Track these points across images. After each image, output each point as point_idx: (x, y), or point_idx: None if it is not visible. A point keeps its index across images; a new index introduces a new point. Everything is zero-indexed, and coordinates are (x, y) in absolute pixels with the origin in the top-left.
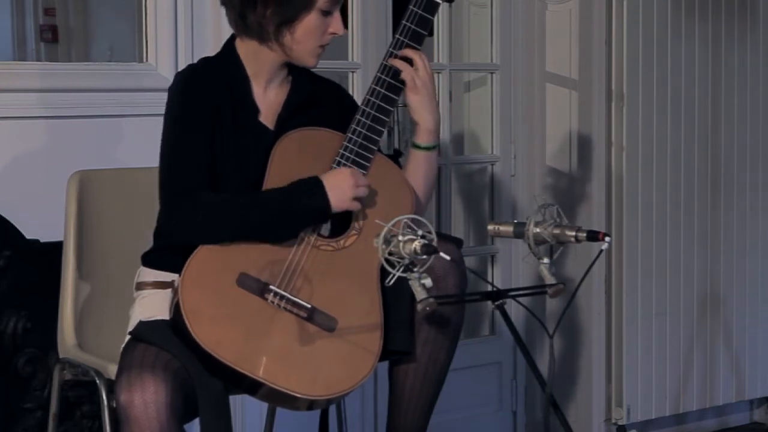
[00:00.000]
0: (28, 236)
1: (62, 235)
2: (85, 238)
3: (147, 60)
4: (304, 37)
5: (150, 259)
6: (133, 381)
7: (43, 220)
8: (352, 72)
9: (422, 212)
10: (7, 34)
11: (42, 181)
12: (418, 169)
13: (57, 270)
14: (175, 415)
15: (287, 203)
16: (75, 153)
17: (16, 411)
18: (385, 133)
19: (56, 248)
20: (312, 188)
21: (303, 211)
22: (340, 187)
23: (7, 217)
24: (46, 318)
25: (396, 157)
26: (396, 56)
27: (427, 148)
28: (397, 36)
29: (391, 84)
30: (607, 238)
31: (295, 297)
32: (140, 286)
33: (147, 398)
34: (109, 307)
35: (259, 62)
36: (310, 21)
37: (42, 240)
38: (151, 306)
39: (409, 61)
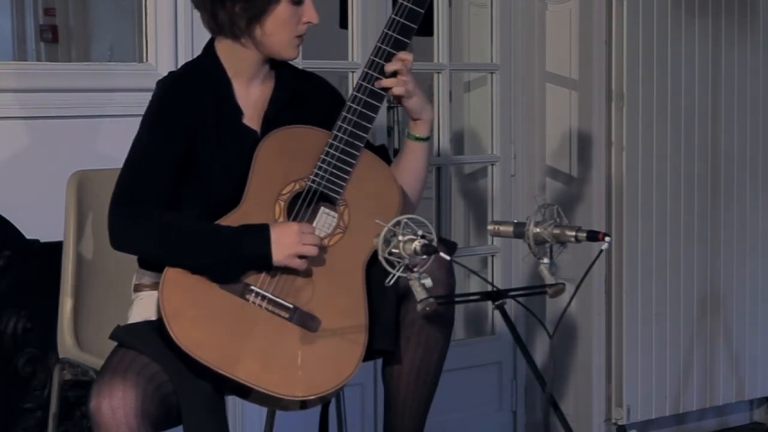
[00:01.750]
0: (28, 236)
1: (62, 235)
2: (85, 238)
3: (147, 60)
4: (276, 29)
5: (148, 261)
6: (102, 387)
7: (43, 220)
8: (352, 72)
9: (419, 201)
10: (7, 34)
11: (42, 181)
12: (422, 159)
13: (57, 270)
14: (147, 420)
15: (229, 245)
16: (75, 153)
17: (16, 411)
18: (385, 133)
19: (56, 248)
20: (257, 235)
21: (243, 256)
22: (284, 242)
23: (7, 217)
24: (46, 318)
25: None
26: (385, 51)
27: (427, 139)
28: (384, 30)
29: (378, 80)
30: (607, 238)
31: (276, 297)
32: (138, 287)
33: (114, 404)
34: (109, 307)
35: (239, 61)
36: (280, 12)
37: (42, 240)
38: (149, 307)
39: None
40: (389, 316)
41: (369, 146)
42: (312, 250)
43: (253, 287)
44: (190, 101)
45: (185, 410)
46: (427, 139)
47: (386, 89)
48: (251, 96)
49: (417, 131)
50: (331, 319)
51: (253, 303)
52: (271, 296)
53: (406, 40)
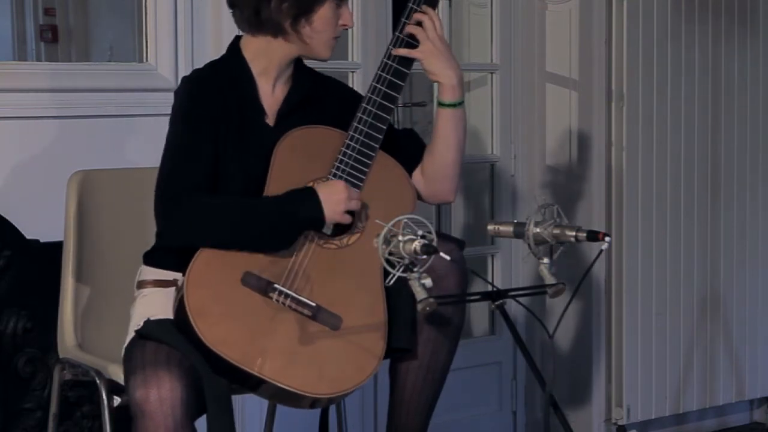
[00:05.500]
0: (28, 236)
1: (62, 235)
2: (85, 238)
3: (147, 60)
4: (322, 26)
5: (152, 258)
6: (149, 377)
7: (43, 220)
8: (352, 72)
9: (458, 172)
10: (7, 34)
11: (42, 181)
12: (448, 127)
13: (57, 270)
14: (189, 413)
15: (282, 212)
16: (75, 153)
17: (16, 411)
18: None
19: (56, 248)
20: (307, 198)
21: (297, 220)
22: (333, 200)
23: (7, 217)
24: (46, 318)
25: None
26: (408, 24)
27: (453, 105)
28: (410, 5)
29: (392, 82)
30: (607, 238)
31: (299, 295)
32: (141, 284)
33: (163, 395)
34: (109, 307)
35: (269, 58)
36: (325, 11)
37: (42, 240)
38: (153, 304)
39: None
40: (407, 314)
41: (395, 131)
42: (359, 204)
43: (276, 285)
44: (216, 99)
45: (209, 406)
46: (453, 105)
47: (412, 39)
48: (275, 96)
49: (440, 96)
50: (352, 317)
51: (276, 301)
52: (294, 294)
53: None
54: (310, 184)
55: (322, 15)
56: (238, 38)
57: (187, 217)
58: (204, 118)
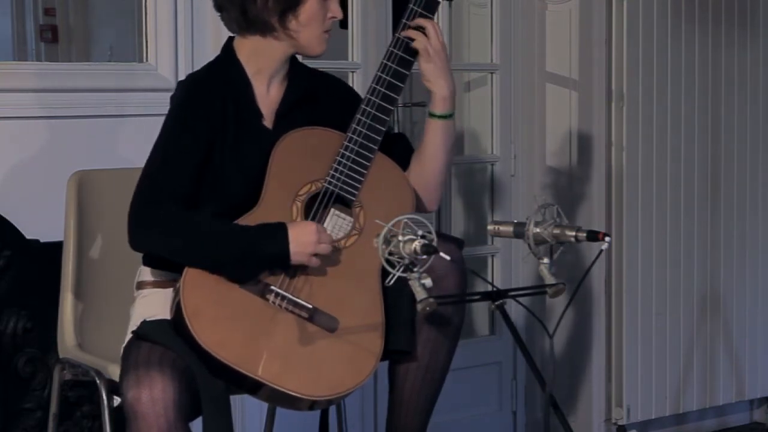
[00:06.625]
0: (28, 236)
1: (62, 235)
2: (84, 238)
3: (147, 60)
4: (309, 20)
5: (151, 259)
6: (141, 378)
7: (43, 220)
8: (352, 72)
9: (441, 184)
10: (7, 34)
11: (42, 181)
12: (436, 137)
13: (57, 270)
14: (182, 414)
15: (249, 243)
16: (75, 153)
17: (16, 411)
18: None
19: (56, 248)
20: (276, 234)
21: (262, 255)
22: (302, 241)
23: (7, 217)
24: (46, 318)
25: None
26: (408, 27)
27: (443, 117)
28: (411, 6)
29: (391, 83)
30: (607, 238)
31: (296, 297)
32: (141, 285)
33: (155, 395)
34: (109, 307)
35: (263, 58)
36: (312, 4)
37: (42, 240)
38: (152, 305)
39: (422, 32)
40: (407, 316)
41: (386, 134)
42: (328, 249)
43: (273, 287)
44: (211, 104)
45: (205, 407)
46: (442, 117)
47: (411, 40)
48: (270, 96)
49: (432, 107)
50: (349, 319)
51: (273, 303)
52: (290, 296)
53: (430, 15)
54: (306, 189)
55: (309, 9)
56: (231, 38)
57: (158, 226)
58: (194, 126)
